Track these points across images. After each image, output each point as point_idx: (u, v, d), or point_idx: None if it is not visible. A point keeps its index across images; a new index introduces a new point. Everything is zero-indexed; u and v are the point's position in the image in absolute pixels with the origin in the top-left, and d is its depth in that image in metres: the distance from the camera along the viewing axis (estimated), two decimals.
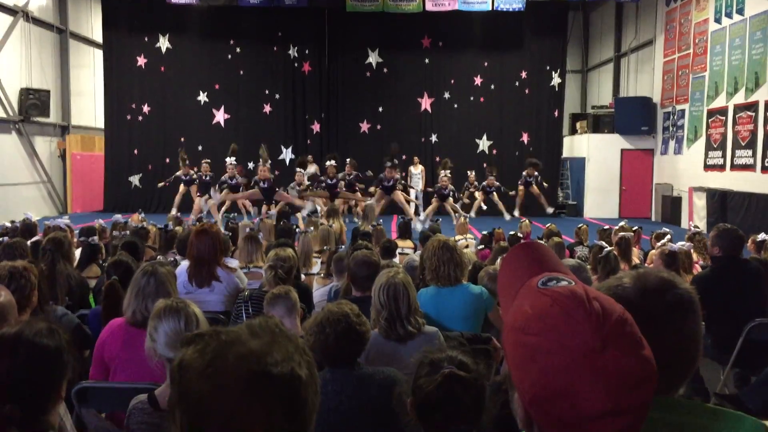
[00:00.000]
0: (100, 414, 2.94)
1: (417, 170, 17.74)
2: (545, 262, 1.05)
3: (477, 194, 15.97)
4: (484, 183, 15.87)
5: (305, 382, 0.92)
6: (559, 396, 0.85)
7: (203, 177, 14.38)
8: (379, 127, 19.41)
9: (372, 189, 14.69)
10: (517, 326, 0.92)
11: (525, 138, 19.38)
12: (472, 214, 15.24)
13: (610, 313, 0.88)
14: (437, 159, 18.68)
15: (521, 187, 16.12)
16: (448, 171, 14.58)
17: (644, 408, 0.86)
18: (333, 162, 14.61)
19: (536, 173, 15.98)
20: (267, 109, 19.35)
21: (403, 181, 14.67)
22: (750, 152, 13.25)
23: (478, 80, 19.39)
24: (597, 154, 18.47)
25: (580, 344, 0.85)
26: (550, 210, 16.37)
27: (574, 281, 0.96)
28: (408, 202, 14.78)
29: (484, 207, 15.94)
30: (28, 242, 5.46)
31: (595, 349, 0.84)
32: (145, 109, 19.14)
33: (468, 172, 16.53)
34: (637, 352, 0.87)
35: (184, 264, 4.44)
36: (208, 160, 14.93)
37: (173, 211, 13.63)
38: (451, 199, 14.47)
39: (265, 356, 0.90)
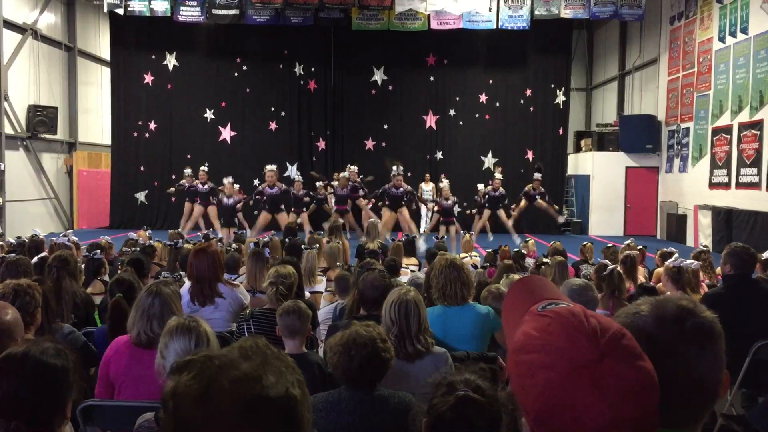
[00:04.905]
0: None
1: (428, 187, 17.72)
2: (545, 291, 1.08)
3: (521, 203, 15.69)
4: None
5: (300, 401, 0.92)
6: (562, 410, 0.87)
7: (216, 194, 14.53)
8: (384, 144, 19.48)
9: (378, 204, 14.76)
10: (518, 347, 0.95)
11: (530, 155, 19.39)
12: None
13: (608, 328, 0.91)
14: (441, 176, 18.69)
15: (523, 201, 15.61)
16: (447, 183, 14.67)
17: (647, 420, 0.88)
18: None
19: (541, 188, 15.80)
20: (273, 126, 19.46)
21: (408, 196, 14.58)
22: (755, 170, 13.23)
23: (483, 98, 19.46)
24: (602, 172, 18.46)
25: (578, 356, 0.88)
26: (562, 219, 16.07)
27: (573, 305, 0.99)
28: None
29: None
30: (34, 259, 5.46)
31: (592, 360, 0.87)
32: (152, 126, 19.26)
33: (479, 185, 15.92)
34: (635, 363, 0.89)
35: (188, 284, 4.44)
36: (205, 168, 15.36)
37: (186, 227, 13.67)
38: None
39: (260, 379, 0.89)
